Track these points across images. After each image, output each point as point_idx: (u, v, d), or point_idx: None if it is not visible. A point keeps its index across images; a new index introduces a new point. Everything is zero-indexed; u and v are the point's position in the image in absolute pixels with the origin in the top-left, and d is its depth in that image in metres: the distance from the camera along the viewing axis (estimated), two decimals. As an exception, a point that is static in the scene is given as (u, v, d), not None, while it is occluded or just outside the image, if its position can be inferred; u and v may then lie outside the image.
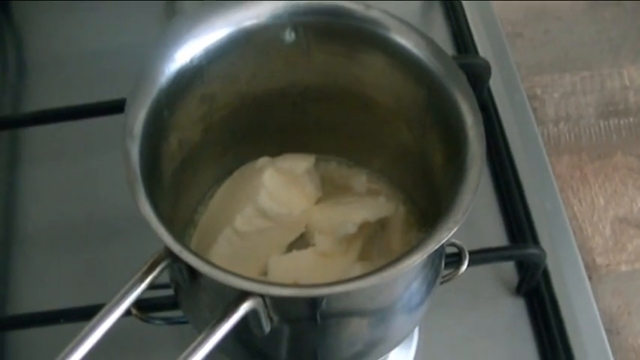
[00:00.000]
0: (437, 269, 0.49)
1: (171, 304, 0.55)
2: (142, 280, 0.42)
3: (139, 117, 0.46)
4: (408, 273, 0.45)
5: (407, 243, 0.54)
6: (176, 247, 0.41)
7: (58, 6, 0.82)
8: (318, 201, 0.56)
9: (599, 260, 0.70)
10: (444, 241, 0.41)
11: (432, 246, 0.41)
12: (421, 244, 0.41)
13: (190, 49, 0.48)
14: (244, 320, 0.41)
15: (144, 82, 0.47)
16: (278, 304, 0.42)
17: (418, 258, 0.41)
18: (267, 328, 0.43)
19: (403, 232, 0.55)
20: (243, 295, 0.40)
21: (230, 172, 0.57)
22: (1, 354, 0.62)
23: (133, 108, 0.46)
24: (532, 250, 0.62)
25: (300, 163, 0.56)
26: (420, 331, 0.62)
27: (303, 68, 0.52)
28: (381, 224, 0.55)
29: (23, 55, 0.81)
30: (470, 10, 0.80)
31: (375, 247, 0.55)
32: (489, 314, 0.63)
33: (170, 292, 0.51)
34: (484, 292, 0.64)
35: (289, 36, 0.50)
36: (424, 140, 0.51)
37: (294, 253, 0.54)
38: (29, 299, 0.64)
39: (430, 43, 0.48)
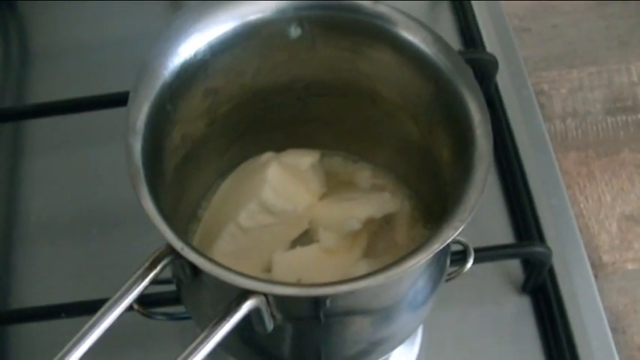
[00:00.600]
0: (442, 267, 0.49)
1: (174, 299, 0.55)
2: (144, 276, 0.42)
3: (141, 111, 0.45)
4: (414, 271, 0.45)
5: (412, 238, 0.54)
6: (178, 244, 0.41)
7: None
8: (323, 197, 0.56)
9: (605, 258, 0.69)
10: (449, 240, 0.41)
11: (438, 245, 0.41)
12: (427, 243, 0.41)
13: (194, 43, 0.48)
14: (247, 318, 0.41)
15: (147, 76, 0.46)
16: (281, 302, 0.42)
17: (423, 257, 0.40)
18: (270, 326, 0.43)
19: (408, 227, 0.55)
20: (245, 294, 0.40)
21: (234, 167, 0.57)
22: (2, 348, 0.62)
23: (136, 102, 0.45)
24: (538, 248, 0.61)
25: (304, 159, 0.56)
26: (424, 328, 0.61)
27: (309, 62, 0.52)
28: (386, 220, 0.55)
29: (27, 47, 0.81)
30: (477, 5, 0.79)
31: (380, 242, 0.55)
32: (495, 312, 0.63)
33: (172, 287, 0.51)
34: (489, 290, 0.64)
35: (295, 31, 0.50)
36: (431, 136, 0.51)
37: (299, 249, 0.53)
38: (31, 292, 0.64)
39: (438, 40, 0.48)
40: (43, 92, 0.75)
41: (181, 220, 0.53)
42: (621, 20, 0.84)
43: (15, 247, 0.67)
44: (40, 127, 0.72)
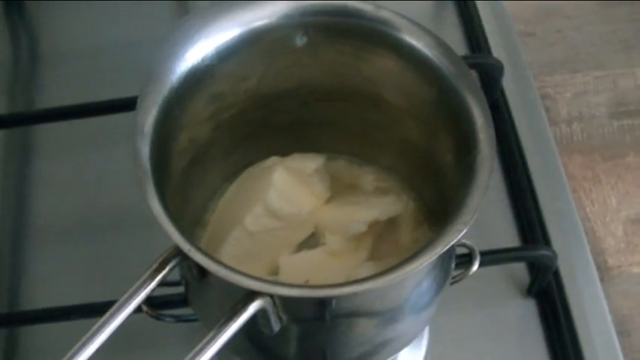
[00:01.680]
0: (447, 270, 0.49)
1: (182, 301, 0.55)
2: (152, 277, 0.42)
3: (149, 115, 0.46)
4: (417, 274, 0.45)
5: (417, 240, 0.54)
6: (185, 246, 0.41)
7: (71, 3, 0.82)
8: (328, 200, 0.56)
9: (610, 261, 0.69)
10: (452, 243, 0.41)
11: (440, 248, 0.41)
12: (429, 246, 0.41)
13: (201, 48, 0.48)
14: (253, 319, 0.41)
15: (155, 81, 0.47)
16: (287, 303, 0.42)
17: (426, 260, 0.41)
18: (276, 327, 0.43)
19: (413, 229, 0.55)
20: (252, 295, 0.40)
21: (239, 171, 0.57)
22: (12, 349, 0.62)
23: (143, 107, 0.46)
24: (543, 252, 0.62)
25: (309, 163, 0.56)
26: (430, 331, 0.61)
27: (313, 68, 0.52)
28: (391, 222, 0.55)
29: (36, 51, 0.81)
30: (483, 9, 0.79)
31: (385, 244, 0.55)
32: (500, 315, 0.63)
33: (181, 289, 0.51)
34: (495, 293, 0.64)
35: (300, 40, 0.50)
36: (434, 139, 0.51)
37: (305, 252, 0.54)
38: (40, 294, 0.64)
39: (441, 44, 0.48)
40: (52, 94, 0.76)
41: (187, 223, 0.53)
42: (626, 24, 0.84)
43: (24, 249, 0.67)
44: (49, 131, 0.73)
